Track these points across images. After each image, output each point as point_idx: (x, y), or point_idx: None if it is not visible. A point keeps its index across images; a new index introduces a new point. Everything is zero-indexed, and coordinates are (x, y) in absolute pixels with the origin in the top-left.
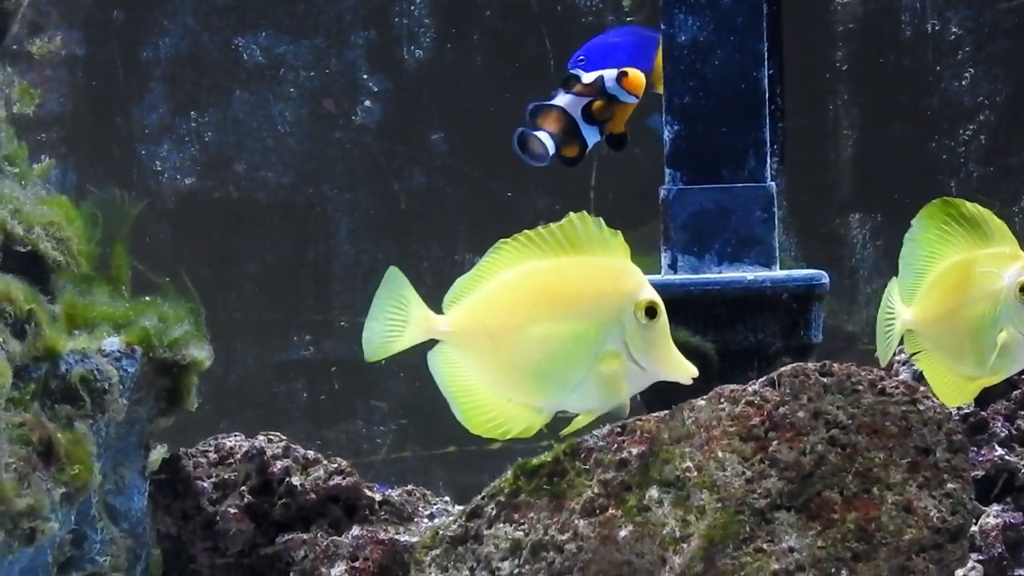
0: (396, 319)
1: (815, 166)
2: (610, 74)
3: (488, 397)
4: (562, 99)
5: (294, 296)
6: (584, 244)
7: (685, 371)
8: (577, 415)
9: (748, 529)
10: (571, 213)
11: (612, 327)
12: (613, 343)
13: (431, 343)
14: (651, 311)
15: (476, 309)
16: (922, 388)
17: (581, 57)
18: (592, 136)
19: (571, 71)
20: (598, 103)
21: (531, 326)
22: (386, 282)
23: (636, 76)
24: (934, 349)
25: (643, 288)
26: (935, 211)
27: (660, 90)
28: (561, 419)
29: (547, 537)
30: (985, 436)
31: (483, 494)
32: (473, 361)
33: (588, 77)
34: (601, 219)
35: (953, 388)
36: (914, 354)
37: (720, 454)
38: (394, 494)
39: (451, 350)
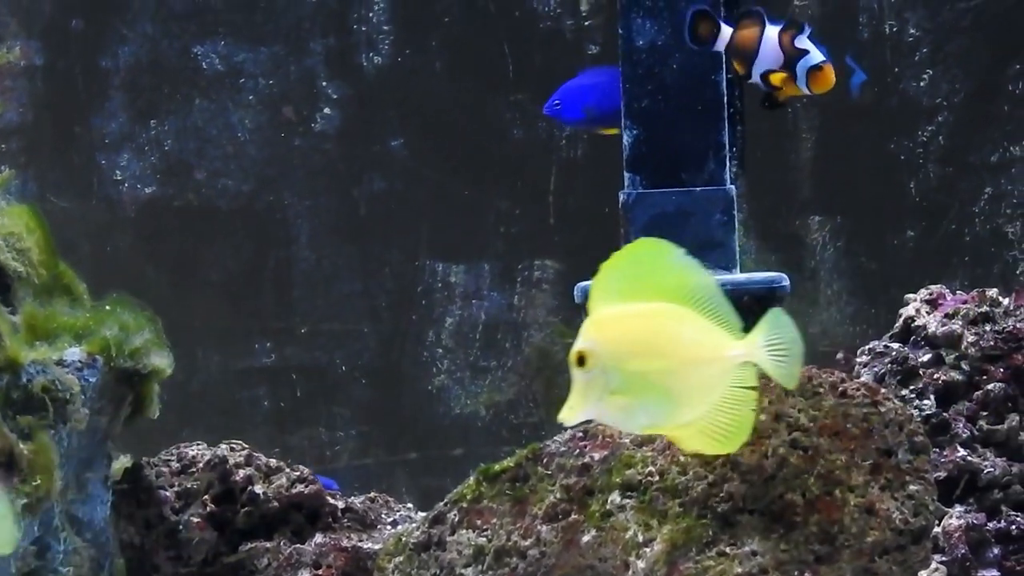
0: None
1: (775, 168)
2: (810, 59)
3: None
4: (770, 30)
5: (255, 303)
6: None
7: None
8: None
9: (711, 533)
10: None
11: None
12: None
13: None
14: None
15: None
16: (883, 390)
17: (556, 102)
18: (757, 75)
19: (802, 24)
20: (775, 75)
21: None
22: None
23: (825, 81)
24: None
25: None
26: None
27: None
28: (523, 423)
29: (510, 543)
30: (947, 437)
31: (446, 500)
32: None
33: (800, 43)
34: None
35: None
36: None
37: (682, 458)
38: (356, 501)
39: None
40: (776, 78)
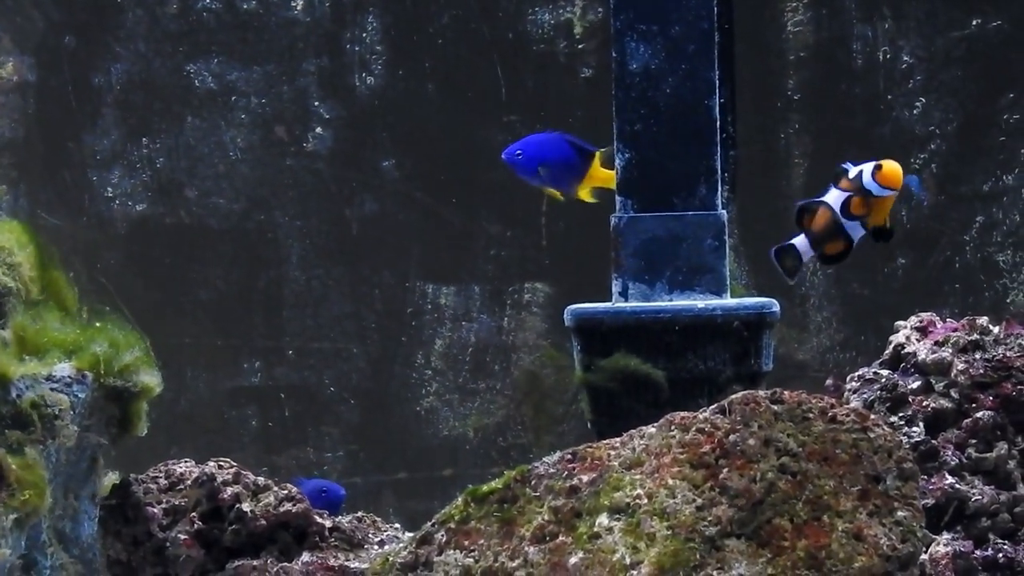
0: None
1: (766, 194)
2: (867, 168)
3: None
4: (831, 195)
5: (245, 322)
6: None
7: None
8: None
9: (698, 556)
10: None
11: None
12: None
13: None
14: None
15: None
16: (872, 416)
17: (518, 152)
18: (856, 231)
19: (840, 166)
20: (856, 200)
21: None
22: None
23: (891, 169)
24: None
25: None
26: None
27: (587, 198)
28: (511, 444)
29: (497, 564)
30: (936, 464)
31: (433, 520)
32: None
33: (852, 172)
34: None
35: None
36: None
37: (670, 481)
38: (344, 520)
39: None
40: (856, 206)
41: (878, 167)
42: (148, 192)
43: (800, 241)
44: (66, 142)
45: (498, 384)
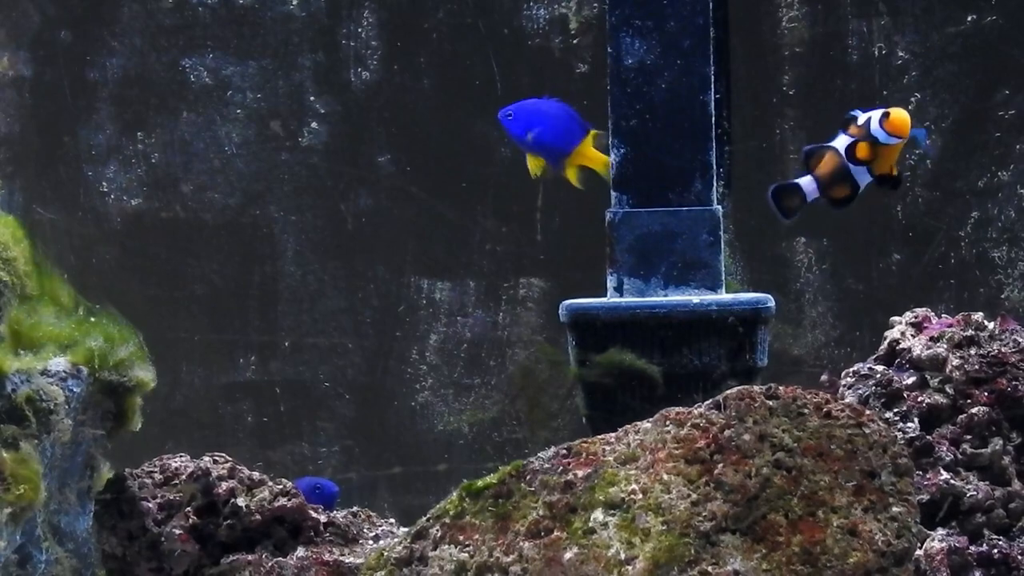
0: None
1: (762, 189)
2: (875, 115)
3: None
4: (839, 141)
5: (240, 317)
6: None
7: None
8: None
9: (693, 552)
10: None
11: None
12: None
13: None
14: None
15: None
16: (867, 411)
17: (510, 113)
18: (863, 177)
19: (849, 113)
20: (861, 144)
21: None
22: None
23: (898, 117)
24: None
25: None
26: None
27: (573, 180)
28: (507, 440)
29: (492, 559)
30: (931, 460)
31: (428, 515)
32: None
33: (861, 119)
34: None
35: None
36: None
37: (665, 476)
38: (338, 515)
39: None
40: (861, 150)
41: (886, 115)
42: (143, 187)
43: (806, 182)
44: (61, 137)
45: (493, 379)
